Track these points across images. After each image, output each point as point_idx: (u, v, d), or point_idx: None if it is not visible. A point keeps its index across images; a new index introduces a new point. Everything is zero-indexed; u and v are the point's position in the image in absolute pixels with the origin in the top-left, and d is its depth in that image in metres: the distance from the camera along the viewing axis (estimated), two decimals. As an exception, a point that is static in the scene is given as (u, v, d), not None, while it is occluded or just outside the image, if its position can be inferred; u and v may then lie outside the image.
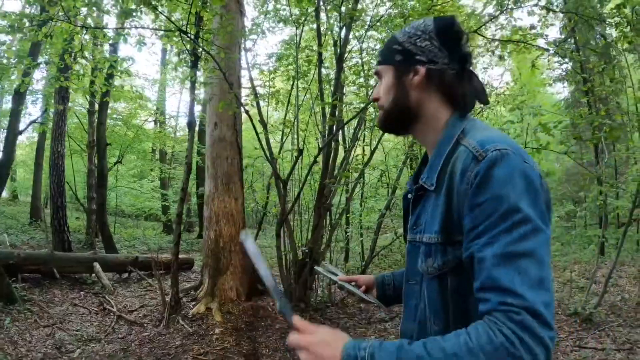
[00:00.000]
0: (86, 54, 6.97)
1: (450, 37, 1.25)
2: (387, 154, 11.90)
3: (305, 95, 8.92)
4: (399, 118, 1.33)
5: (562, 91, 18.07)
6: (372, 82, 7.98)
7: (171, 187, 23.24)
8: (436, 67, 1.23)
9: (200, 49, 6.02)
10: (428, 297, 1.21)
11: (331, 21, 7.48)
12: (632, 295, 7.67)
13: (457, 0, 8.11)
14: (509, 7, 5.65)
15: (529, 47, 6.51)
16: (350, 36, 7.85)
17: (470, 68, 1.26)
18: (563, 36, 8.70)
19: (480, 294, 1.00)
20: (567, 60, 6.84)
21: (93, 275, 7.90)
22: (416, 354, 0.97)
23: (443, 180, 1.15)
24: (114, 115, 16.27)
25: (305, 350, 1.08)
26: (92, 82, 7.97)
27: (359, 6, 7.71)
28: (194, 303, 6.29)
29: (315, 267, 1.82)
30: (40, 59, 6.65)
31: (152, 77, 25.66)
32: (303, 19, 7.94)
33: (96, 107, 12.11)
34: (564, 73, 15.85)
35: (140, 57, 18.92)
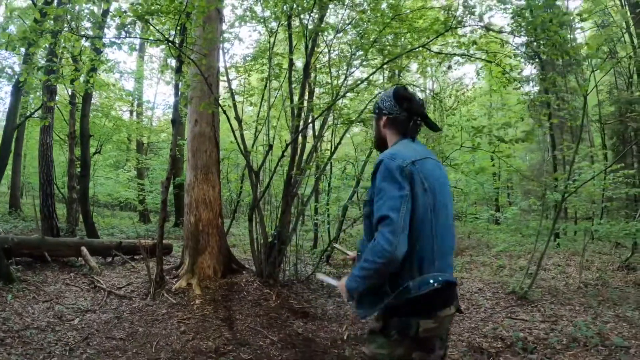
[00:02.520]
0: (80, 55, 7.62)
1: (400, 99, 2.41)
2: (356, 148, 12.64)
3: (278, 91, 9.53)
4: (378, 143, 2.59)
5: (529, 89, 18.77)
6: (340, 81, 8.72)
7: (147, 177, 23.57)
8: (392, 116, 2.43)
9: (185, 57, 6.73)
10: (365, 227, 2.39)
11: (304, 21, 7.98)
12: (575, 281, 8.40)
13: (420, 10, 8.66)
14: (453, 26, 6.49)
15: (473, 60, 7.40)
16: (320, 41, 8.54)
17: (422, 113, 2.43)
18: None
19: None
20: (509, 69, 7.64)
21: (80, 259, 8.38)
22: (353, 271, 2.20)
23: None
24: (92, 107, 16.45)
25: (341, 289, 2.29)
26: (72, 81, 8.60)
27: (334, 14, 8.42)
28: (176, 280, 6.96)
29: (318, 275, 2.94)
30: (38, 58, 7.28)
31: (129, 67, 25.72)
32: (277, 27, 8.58)
33: (77, 99, 12.57)
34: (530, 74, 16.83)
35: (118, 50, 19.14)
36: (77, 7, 5.65)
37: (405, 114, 2.38)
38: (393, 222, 2.01)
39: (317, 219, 10.88)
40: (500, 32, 7.00)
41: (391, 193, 2.09)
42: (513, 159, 21.17)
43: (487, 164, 19.73)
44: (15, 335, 4.95)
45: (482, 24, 6.93)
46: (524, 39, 7.03)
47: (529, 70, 17.48)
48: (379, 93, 11.15)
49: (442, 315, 2.20)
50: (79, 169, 12.72)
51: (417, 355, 2.24)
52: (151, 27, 6.33)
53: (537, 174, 18.67)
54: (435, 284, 2.13)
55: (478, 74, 8.78)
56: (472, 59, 7.49)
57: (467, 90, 13.64)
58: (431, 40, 6.90)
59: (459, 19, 6.65)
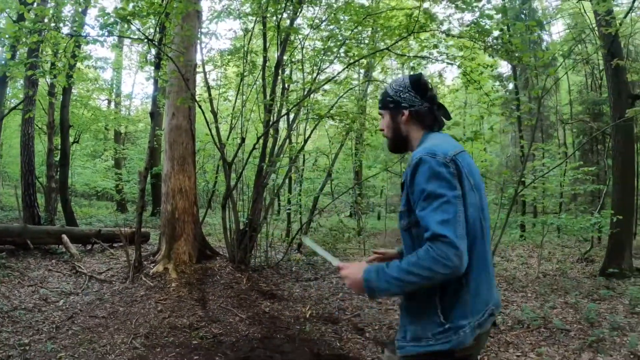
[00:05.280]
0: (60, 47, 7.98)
1: (419, 88, 2.06)
2: (331, 140, 13.08)
3: (253, 86, 9.93)
4: (397, 144, 2.18)
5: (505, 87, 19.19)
6: (313, 76, 9.14)
7: (124, 166, 23.65)
8: (414, 108, 2.05)
9: (164, 54, 7.14)
10: (403, 240, 2.02)
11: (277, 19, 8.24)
12: (535, 272, 8.90)
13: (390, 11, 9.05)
14: (414, 31, 7.00)
15: (433, 60, 7.96)
16: (294, 37, 8.94)
17: (439, 102, 2.11)
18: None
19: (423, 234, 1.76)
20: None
21: (60, 246, 8.70)
22: (385, 270, 1.79)
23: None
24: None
25: (346, 277, 1.94)
26: (55, 75, 8.89)
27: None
28: (153, 265, 7.39)
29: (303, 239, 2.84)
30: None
31: (108, 56, 25.67)
32: (253, 23, 8.98)
33: (56, 90, 12.77)
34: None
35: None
36: (68, 7, 6.06)
37: (427, 104, 2.07)
38: (452, 242, 1.66)
39: (289, 209, 11.39)
40: (460, 37, 7.52)
41: (442, 196, 1.75)
42: (488, 155, 21.89)
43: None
44: (5, 315, 5.39)
45: (442, 28, 7.46)
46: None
47: (505, 68, 18.11)
48: (354, 87, 11.66)
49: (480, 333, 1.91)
50: (56, 158, 12.93)
51: None
52: (132, 27, 6.68)
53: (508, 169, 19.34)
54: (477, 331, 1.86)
55: (441, 76, 9.35)
56: (433, 61, 8.02)
57: (438, 86, 14.10)
58: (394, 43, 7.41)
59: (421, 24, 7.15)
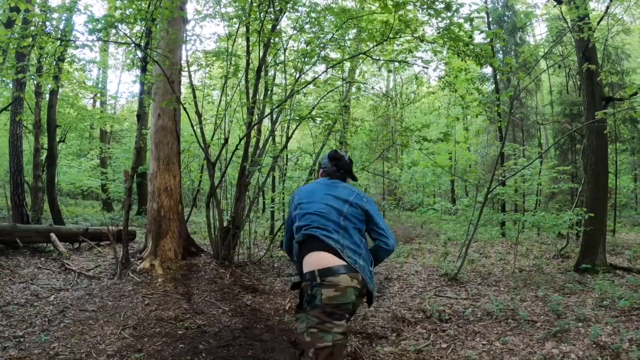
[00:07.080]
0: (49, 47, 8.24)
1: (331, 157, 3.38)
2: (314, 139, 13.35)
3: (237, 87, 10.17)
4: None
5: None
6: (296, 77, 9.39)
7: (110, 165, 23.66)
8: (326, 169, 3.38)
9: (150, 58, 7.41)
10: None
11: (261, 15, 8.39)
12: (511, 267, 9.21)
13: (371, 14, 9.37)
14: (390, 37, 7.37)
15: (410, 64, 8.34)
16: (277, 39, 9.21)
17: (348, 168, 3.38)
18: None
19: None
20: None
21: (49, 245, 8.86)
22: None
23: None
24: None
25: None
26: (39, 69, 9.03)
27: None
28: (140, 261, 7.64)
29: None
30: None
31: (95, 57, 25.59)
32: (236, 27, 9.25)
33: (43, 89, 12.91)
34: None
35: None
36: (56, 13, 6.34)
37: (334, 168, 3.35)
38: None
39: (272, 207, 11.70)
40: (432, 42, 7.89)
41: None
42: (471, 154, 22.36)
43: (443, 158, 20.70)
44: (-2, 310, 5.65)
45: (416, 35, 7.83)
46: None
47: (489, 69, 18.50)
48: (335, 89, 12.00)
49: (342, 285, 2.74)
50: (42, 158, 13.06)
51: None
52: (120, 32, 6.94)
53: (488, 168, 19.76)
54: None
55: (417, 78, 9.73)
56: (409, 64, 8.38)
57: (417, 88, 14.47)
58: (369, 49, 7.75)
59: (396, 30, 7.51)
